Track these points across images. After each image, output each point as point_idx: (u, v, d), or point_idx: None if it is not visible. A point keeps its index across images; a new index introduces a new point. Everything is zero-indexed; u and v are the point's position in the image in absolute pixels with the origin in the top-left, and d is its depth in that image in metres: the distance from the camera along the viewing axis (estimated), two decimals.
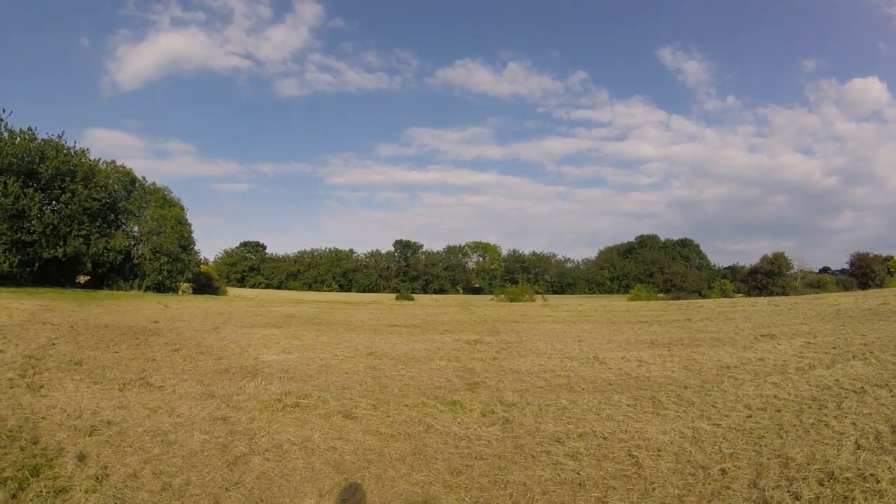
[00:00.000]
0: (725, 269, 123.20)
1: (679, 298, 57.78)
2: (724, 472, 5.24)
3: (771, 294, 58.61)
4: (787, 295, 53.45)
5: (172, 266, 42.05)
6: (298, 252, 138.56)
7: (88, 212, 37.45)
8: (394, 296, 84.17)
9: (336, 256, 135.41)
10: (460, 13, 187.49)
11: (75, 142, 49.03)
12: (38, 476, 5.03)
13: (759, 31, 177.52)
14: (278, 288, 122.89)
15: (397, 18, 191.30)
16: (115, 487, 4.92)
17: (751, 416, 7.09)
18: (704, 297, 63.96)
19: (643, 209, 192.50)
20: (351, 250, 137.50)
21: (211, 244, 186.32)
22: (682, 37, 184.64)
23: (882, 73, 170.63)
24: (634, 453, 5.84)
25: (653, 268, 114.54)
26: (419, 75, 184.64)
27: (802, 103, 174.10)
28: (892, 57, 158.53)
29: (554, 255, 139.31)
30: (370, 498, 4.95)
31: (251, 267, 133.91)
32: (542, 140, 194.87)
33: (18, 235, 34.21)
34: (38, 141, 37.26)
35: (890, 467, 4.99)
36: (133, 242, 41.85)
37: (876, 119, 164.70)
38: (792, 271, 71.21)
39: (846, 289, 67.08)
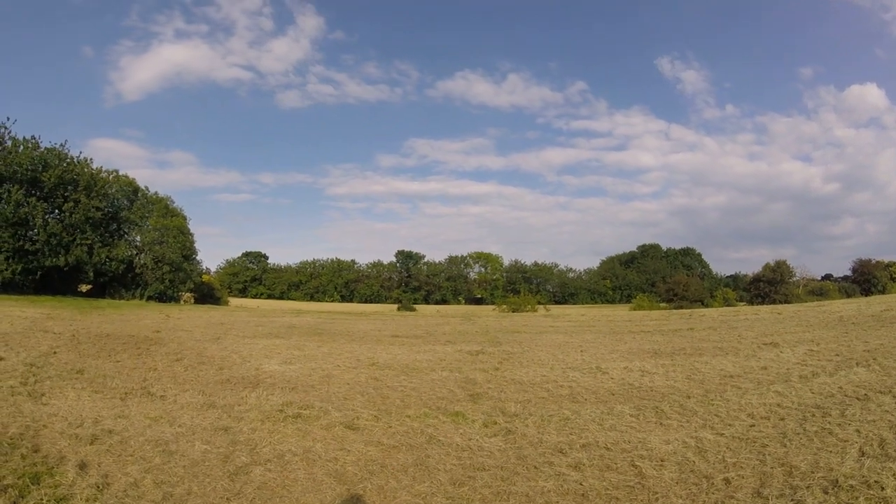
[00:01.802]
0: (728, 277, 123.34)
1: (681, 307, 57.70)
2: (727, 481, 5.21)
3: (773, 302, 58.52)
4: (789, 303, 53.35)
5: (174, 276, 42.15)
6: (300, 262, 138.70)
7: (91, 221, 37.53)
8: (395, 306, 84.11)
9: (338, 267, 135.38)
10: (460, 25, 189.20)
11: (80, 151, 49.29)
12: (38, 484, 5.02)
13: (756, 40, 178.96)
14: (280, 298, 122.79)
15: (398, 31, 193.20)
16: (116, 496, 4.90)
17: (754, 425, 7.05)
18: (707, 305, 63.84)
19: (644, 218, 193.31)
20: (353, 261, 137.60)
21: (213, 254, 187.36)
22: (679, 46, 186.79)
23: (880, 80, 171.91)
24: (637, 463, 5.81)
25: (655, 277, 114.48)
26: (419, 87, 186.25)
27: (801, 111, 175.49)
28: (889, 63, 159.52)
29: (556, 265, 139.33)
30: None
31: (253, 277, 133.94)
32: (541, 150, 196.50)
33: (21, 244, 34.27)
34: (42, 149, 37.42)
35: (894, 474, 4.95)
36: (135, 252, 41.95)
37: (875, 125, 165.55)
38: (794, 279, 71.25)
39: (849, 296, 67.04)
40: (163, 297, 41.29)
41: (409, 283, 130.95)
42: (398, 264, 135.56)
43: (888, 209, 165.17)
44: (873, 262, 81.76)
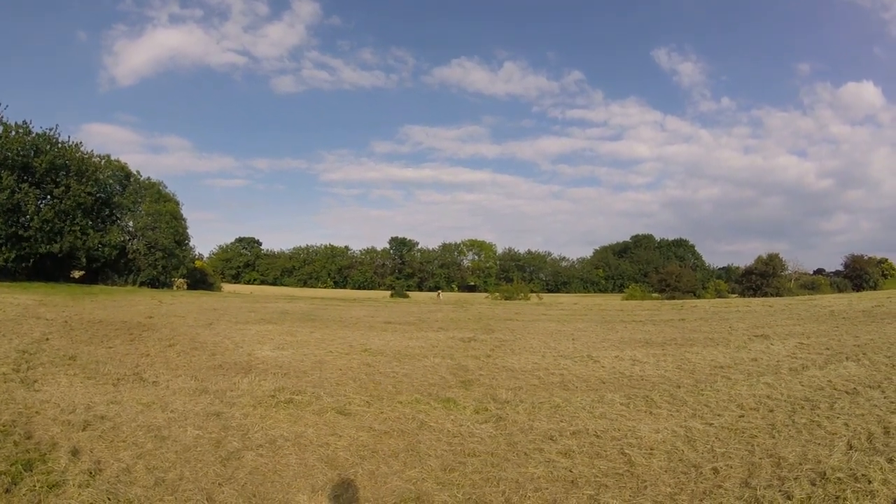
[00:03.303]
0: (720, 269, 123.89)
1: (674, 298, 57.86)
2: (716, 471, 5.26)
3: (765, 295, 58.75)
4: (781, 296, 53.57)
5: (167, 261, 41.96)
6: (294, 248, 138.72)
7: (82, 206, 37.19)
8: (389, 293, 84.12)
9: (331, 253, 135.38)
10: (457, 13, 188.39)
11: (69, 136, 48.69)
12: (31, 470, 5.02)
13: (754, 34, 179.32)
14: (273, 284, 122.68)
15: (394, 17, 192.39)
16: (108, 482, 4.91)
17: (743, 416, 7.11)
18: (699, 297, 64.12)
19: (638, 209, 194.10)
20: (346, 247, 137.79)
21: (206, 240, 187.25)
22: (677, 38, 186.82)
23: (877, 78, 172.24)
24: (627, 451, 5.85)
25: (647, 267, 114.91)
26: (415, 73, 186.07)
27: (797, 106, 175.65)
28: (886, 61, 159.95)
29: (549, 254, 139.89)
30: (363, 494, 4.95)
31: (246, 263, 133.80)
32: (536, 139, 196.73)
33: (14, 230, 33.95)
34: (33, 135, 36.92)
35: (881, 468, 5.01)
36: (128, 237, 41.69)
37: (870, 123, 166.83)
38: (786, 272, 71.45)
39: (840, 290, 67.28)
40: (155, 283, 41.13)
41: (403, 269, 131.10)
42: (392, 251, 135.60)
43: (882, 206, 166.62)
44: (865, 258, 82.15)
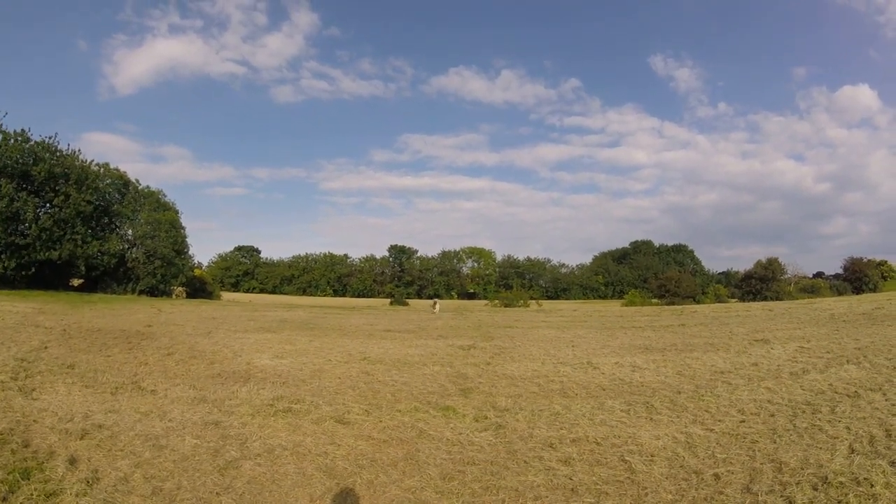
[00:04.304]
0: (720, 274, 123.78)
1: (673, 304, 57.84)
2: (717, 477, 5.23)
3: (765, 299, 58.73)
4: (781, 300, 53.52)
5: (166, 270, 41.97)
6: (293, 257, 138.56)
7: (82, 215, 37.19)
8: (388, 301, 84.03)
9: (331, 261, 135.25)
10: (455, 22, 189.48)
11: (69, 144, 48.65)
12: (28, 479, 4.99)
13: (750, 39, 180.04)
14: (272, 292, 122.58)
15: (392, 27, 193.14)
16: (105, 491, 4.88)
17: (744, 421, 7.07)
18: (699, 302, 63.97)
19: (637, 215, 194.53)
20: (345, 255, 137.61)
21: (206, 248, 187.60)
22: (673, 44, 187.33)
23: (872, 81, 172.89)
24: (627, 458, 5.82)
25: (647, 273, 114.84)
26: (414, 83, 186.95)
27: (794, 110, 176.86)
28: (882, 64, 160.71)
29: (548, 261, 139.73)
30: (362, 503, 4.92)
31: (245, 271, 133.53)
32: (535, 146, 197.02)
33: (13, 238, 33.94)
34: (32, 143, 36.95)
35: (884, 471, 4.98)
36: (127, 246, 41.70)
37: (867, 126, 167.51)
38: (786, 276, 71.42)
39: (840, 294, 67.30)
40: (154, 292, 41.14)
41: (402, 277, 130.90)
42: (391, 259, 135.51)
43: (880, 209, 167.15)
44: (865, 260, 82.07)
